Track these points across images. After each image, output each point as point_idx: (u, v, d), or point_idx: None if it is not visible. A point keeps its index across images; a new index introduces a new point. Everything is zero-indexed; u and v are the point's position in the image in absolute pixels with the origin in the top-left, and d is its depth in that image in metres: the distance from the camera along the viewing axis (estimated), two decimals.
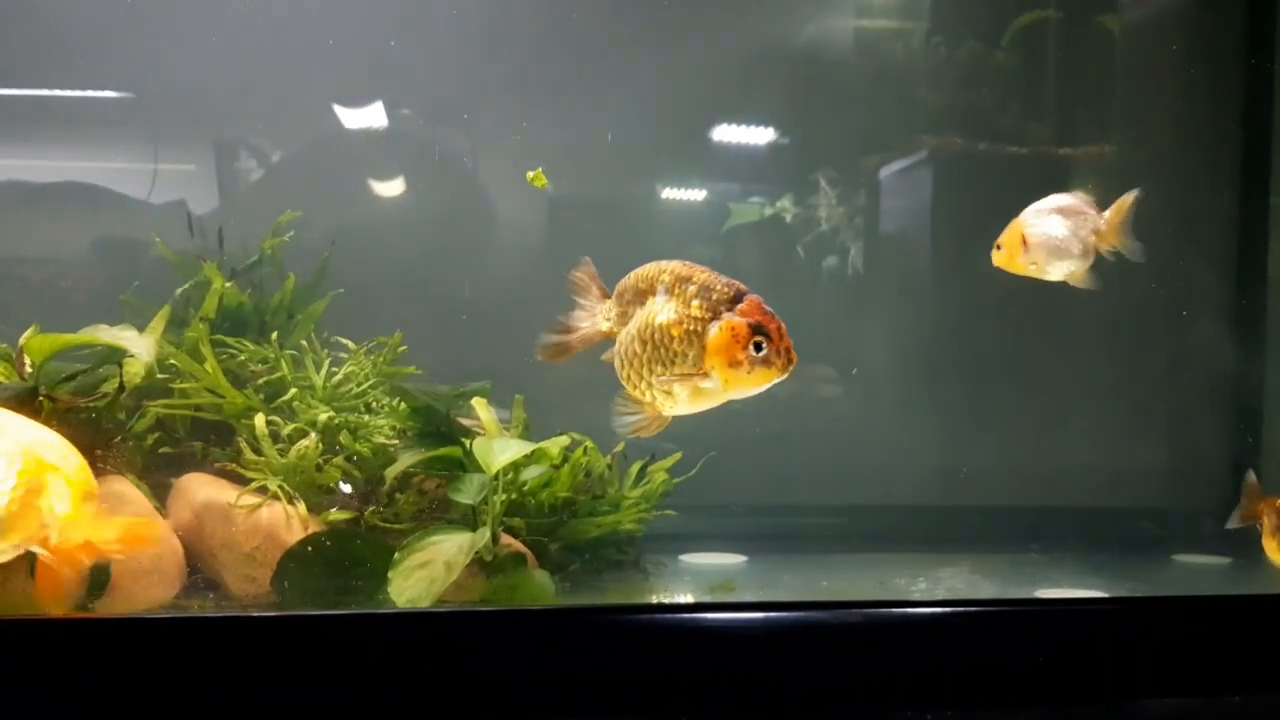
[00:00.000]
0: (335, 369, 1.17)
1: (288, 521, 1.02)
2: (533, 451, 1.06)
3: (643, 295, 0.84)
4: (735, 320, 0.79)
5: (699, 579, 1.25)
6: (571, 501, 1.16)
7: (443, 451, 1.07)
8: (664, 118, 1.55)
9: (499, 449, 1.03)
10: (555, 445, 1.11)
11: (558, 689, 0.57)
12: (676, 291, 0.81)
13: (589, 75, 1.53)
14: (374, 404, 1.17)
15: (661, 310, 0.81)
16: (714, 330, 0.79)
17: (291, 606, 0.92)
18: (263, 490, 1.04)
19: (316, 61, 1.43)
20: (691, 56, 1.54)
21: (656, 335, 0.81)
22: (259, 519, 1.02)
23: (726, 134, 1.60)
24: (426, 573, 0.90)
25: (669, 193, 1.62)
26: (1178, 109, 1.66)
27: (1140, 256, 1.11)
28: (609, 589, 1.11)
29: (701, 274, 0.82)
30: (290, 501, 1.03)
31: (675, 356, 0.80)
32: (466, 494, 1.02)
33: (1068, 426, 1.62)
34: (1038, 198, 1.68)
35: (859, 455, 1.11)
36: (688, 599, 1.15)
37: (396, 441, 1.11)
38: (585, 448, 1.17)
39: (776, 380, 0.79)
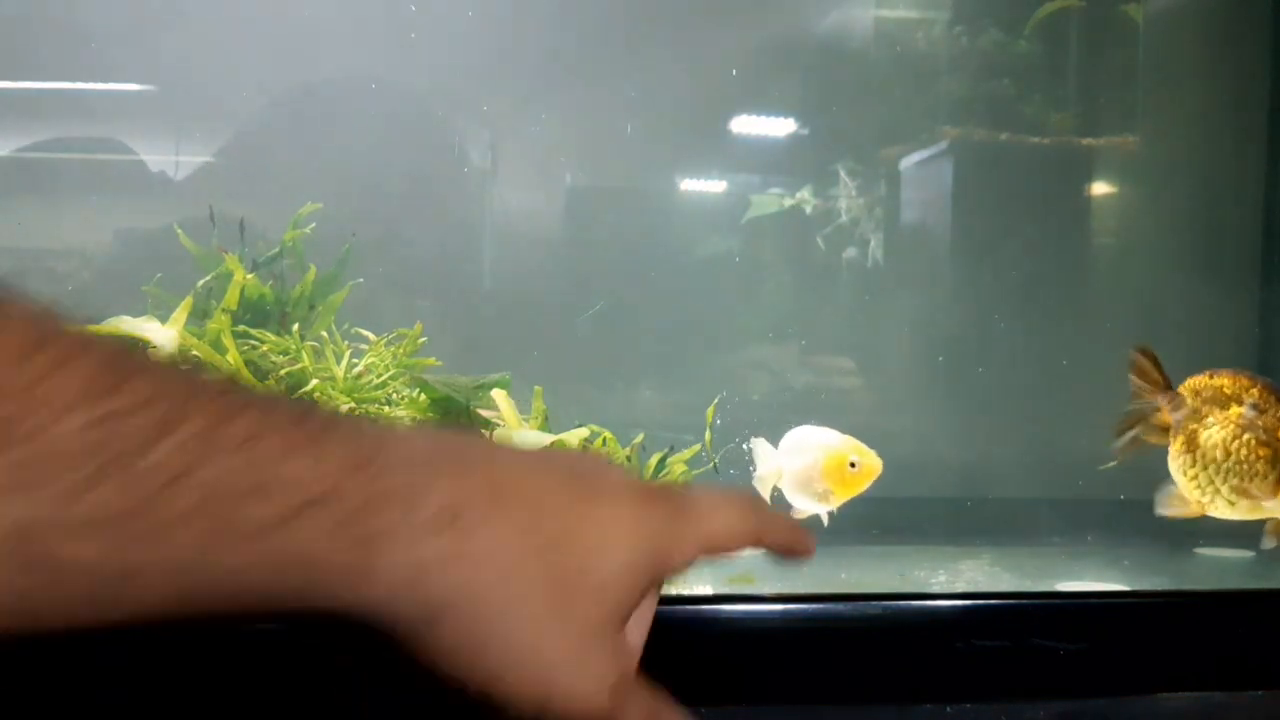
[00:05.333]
0: (356, 360, 1.18)
1: None
2: (552, 443, 1.06)
3: (1225, 400, 0.86)
4: None
5: (717, 570, 1.25)
6: None
7: None
8: (683, 108, 1.55)
9: (518, 440, 1.03)
10: (574, 436, 1.11)
11: None
12: (1268, 411, 0.85)
13: (608, 66, 1.53)
14: (394, 395, 1.17)
15: (1250, 427, 0.86)
16: None
17: None
18: None
19: (331, 54, 1.43)
20: (710, 46, 1.53)
21: (1244, 450, 0.85)
22: None
23: (746, 125, 1.60)
24: None
25: (688, 184, 1.62)
26: (1203, 98, 1.64)
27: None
28: None
29: None
30: None
31: (1256, 474, 0.85)
32: None
33: (1089, 418, 1.61)
34: (1059, 188, 1.67)
35: (878, 447, 1.10)
36: (706, 590, 1.15)
37: None
38: (604, 439, 1.17)
39: None
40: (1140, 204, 1.69)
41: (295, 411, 0.31)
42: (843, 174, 1.60)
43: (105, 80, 1.40)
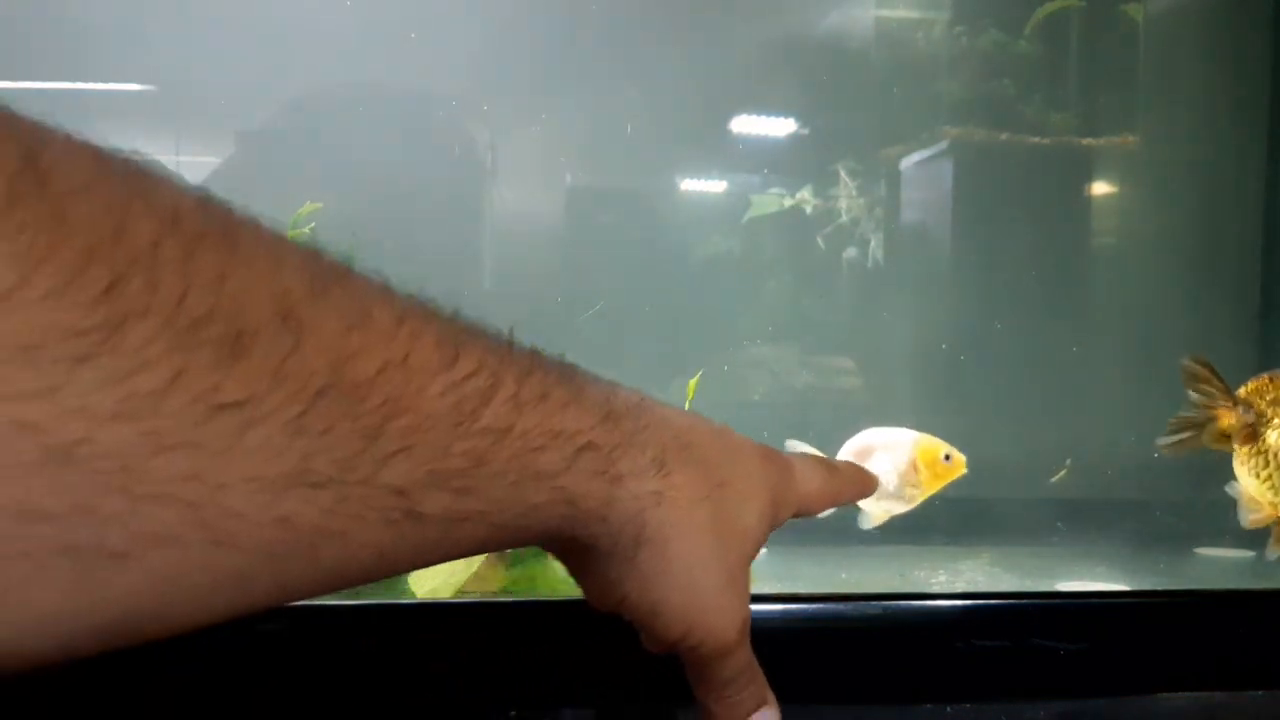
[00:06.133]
0: None
1: None
2: None
3: None
4: None
5: None
6: None
7: None
8: (683, 108, 1.55)
9: None
10: None
11: (576, 679, 0.57)
12: None
13: (608, 66, 1.53)
14: None
15: None
16: None
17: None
18: None
19: (330, 53, 1.43)
20: (710, 46, 1.53)
21: None
22: None
23: (746, 125, 1.60)
24: (447, 564, 0.91)
25: (688, 184, 1.61)
26: (1203, 98, 1.64)
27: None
28: None
29: None
30: None
31: None
32: None
33: (1088, 418, 1.62)
34: (1059, 188, 1.67)
35: None
36: None
37: None
38: None
39: None
40: (1140, 204, 1.69)
41: (562, 368, 0.37)
42: (843, 174, 1.60)
43: (105, 80, 1.40)
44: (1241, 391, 0.89)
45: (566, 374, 0.37)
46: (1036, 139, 1.62)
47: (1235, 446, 0.89)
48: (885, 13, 1.63)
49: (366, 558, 0.30)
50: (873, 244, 1.60)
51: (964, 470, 1.00)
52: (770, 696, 0.45)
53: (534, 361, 0.35)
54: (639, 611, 0.40)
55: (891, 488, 0.99)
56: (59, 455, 0.22)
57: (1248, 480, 0.88)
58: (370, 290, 0.31)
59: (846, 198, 1.59)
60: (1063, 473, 1.12)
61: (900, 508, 1.01)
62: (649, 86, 1.51)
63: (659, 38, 1.53)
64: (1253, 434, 0.88)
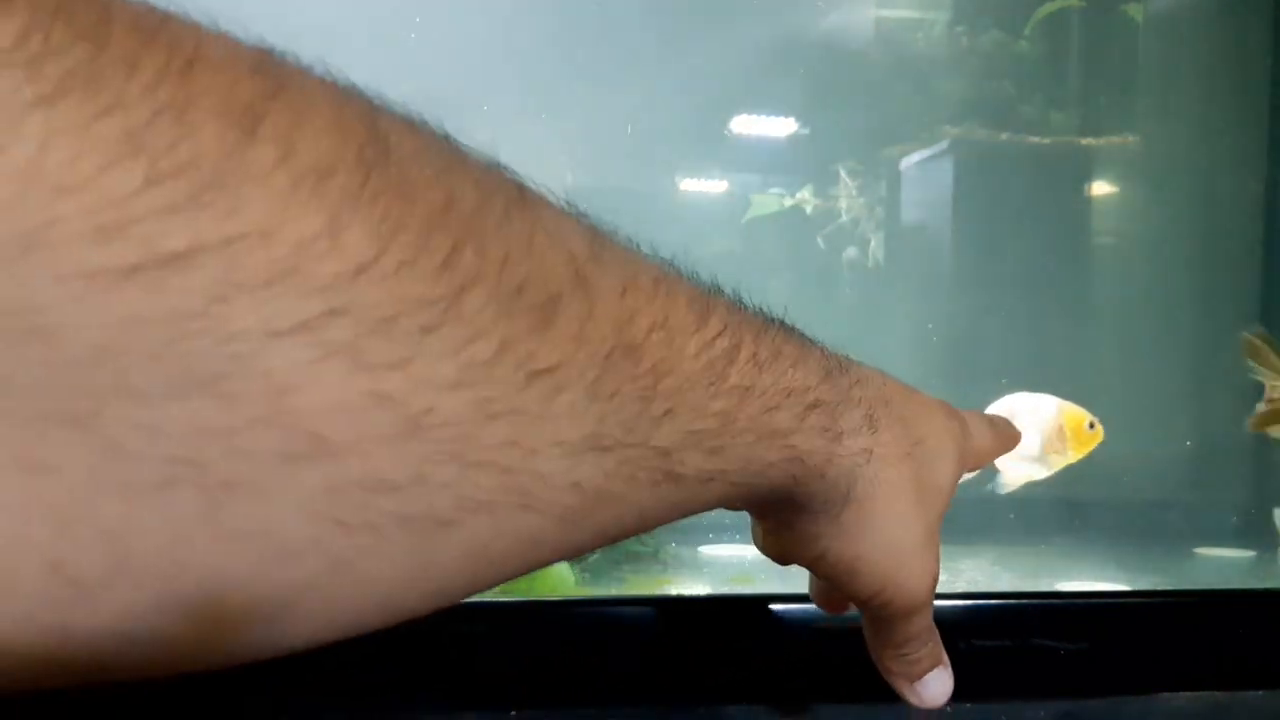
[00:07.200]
0: None
1: None
2: None
3: None
4: None
5: (717, 570, 1.25)
6: None
7: None
8: (683, 108, 1.55)
9: None
10: None
11: (575, 679, 0.57)
12: None
13: (608, 66, 1.53)
14: None
15: None
16: None
17: None
18: None
19: (330, 54, 1.44)
20: (711, 46, 1.53)
21: None
22: None
23: (746, 124, 1.60)
24: None
25: (688, 184, 1.62)
26: (1203, 98, 1.65)
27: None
28: (628, 580, 1.11)
29: None
30: None
31: None
32: None
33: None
34: (1059, 188, 1.67)
35: None
36: (706, 590, 1.15)
37: None
38: None
39: None
40: (1140, 204, 1.69)
41: (784, 327, 0.37)
42: (843, 174, 1.60)
43: None
44: None
45: (790, 332, 0.37)
46: (1036, 139, 1.62)
47: None
48: (885, 13, 1.63)
49: (630, 519, 0.31)
50: (873, 244, 1.60)
51: (1102, 439, 1.02)
52: (945, 657, 0.46)
53: (765, 320, 0.36)
54: (837, 568, 0.40)
55: (1035, 452, 1.01)
56: (408, 426, 0.23)
57: None
58: (629, 251, 0.32)
59: (846, 198, 1.59)
60: (994, 486, 1.13)
61: (1041, 473, 1.02)
62: (649, 86, 1.51)
63: (659, 38, 1.53)
64: None
